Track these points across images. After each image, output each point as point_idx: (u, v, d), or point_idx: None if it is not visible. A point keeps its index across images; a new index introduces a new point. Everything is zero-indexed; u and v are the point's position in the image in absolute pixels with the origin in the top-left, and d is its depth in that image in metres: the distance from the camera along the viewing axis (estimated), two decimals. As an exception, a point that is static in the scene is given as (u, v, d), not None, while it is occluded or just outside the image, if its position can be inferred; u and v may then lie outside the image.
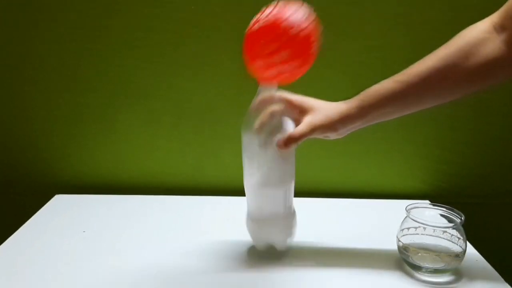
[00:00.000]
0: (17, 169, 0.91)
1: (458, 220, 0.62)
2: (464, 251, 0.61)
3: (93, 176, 0.91)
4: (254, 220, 0.64)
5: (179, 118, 0.88)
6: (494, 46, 0.54)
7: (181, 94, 0.86)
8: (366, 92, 0.60)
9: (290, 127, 0.60)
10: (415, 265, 0.62)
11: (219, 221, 0.77)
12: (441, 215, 0.65)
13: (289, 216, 0.64)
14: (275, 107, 0.60)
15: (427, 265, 0.61)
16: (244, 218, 0.66)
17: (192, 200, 0.88)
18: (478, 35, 0.56)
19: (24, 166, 0.91)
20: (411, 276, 0.62)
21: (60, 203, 0.86)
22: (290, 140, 0.58)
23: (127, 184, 0.91)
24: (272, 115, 0.60)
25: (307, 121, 0.59)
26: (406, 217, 0.64)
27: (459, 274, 0.63)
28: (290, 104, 0.61)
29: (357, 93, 0.82)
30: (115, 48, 0.83)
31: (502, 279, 0.62)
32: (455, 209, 0.64)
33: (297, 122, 0.61)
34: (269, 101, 0.60)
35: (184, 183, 0.92)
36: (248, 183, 0.62)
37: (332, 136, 0.62)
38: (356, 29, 0.82)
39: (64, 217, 0.79)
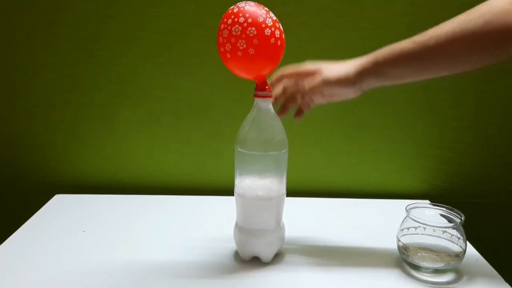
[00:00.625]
0: (17, 169, 0.91)
1: (458, 220, 0.62)
2: (464, 251, 0.61)
3: (93, 176, 0.91)
4: (242, 231, 0.64)
5: (179, 118, 0.88)
6: None
7: (180, 94, 0.86)
8: (382, 49, 0.60)
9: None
10: (415, 265, 0.62)
11: (219, 221, 0.77)
12: (441, 215, 0.65)
13: (278, 230, 0.64)
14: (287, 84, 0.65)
15: (427, 265, 0.61)
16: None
17: (191, 200, 0.88)
18: (505, 4, 0.53)
19: (24, 166, 0.91)
20: (411, 276, 0.62)
21: (60, 203, 0.86)
22: (308, 91, 0.61)
23: (127, 184, 0.91)
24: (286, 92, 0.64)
25: (321, 76, 0.61)
26: (406, 217, 0.64)
27: (459, 274, 0.63)
28: (299, 75, 0.63)
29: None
30: (115, 48, 0.83)
31: (502, 279, 0.62)
32: (455, 209, 0.64)
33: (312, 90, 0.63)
34: (282, 78, 0.63)
35: (183, 183, 0.92)
36: (239, 195, 0.62)
37: (348, 92, 0.61)
38: (356, 29, 0.82)
39: (64, 217, 0.79)
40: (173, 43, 0.83)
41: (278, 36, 0.55)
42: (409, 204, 0.65)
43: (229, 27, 0.53)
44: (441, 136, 0.88)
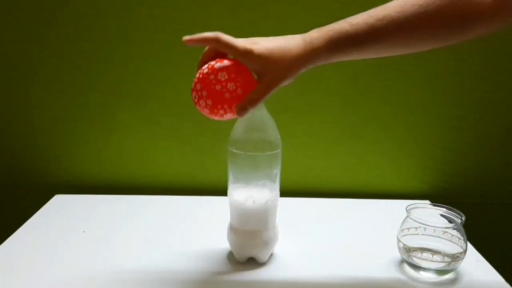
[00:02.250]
0: (17, 169, 0.91)
1: (459, 220, 0.62)
2: (465, 251, 0.61)
3: (93, 176, 0.91)
4: (237, 233, 0.63)
5: (179, 118, 0.88)
6: None
7: (181, 94, 0.86)
8: (328, 29, 0.53)
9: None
10: (415, 265, 0.62)
11: (219, 221, 0.77)
12: (442, 215, 0.65)
13: (272, 230, 0.64)
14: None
15: (427, 266, 0.61)
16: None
17: (191, 200, 0.88)
18: None
19: (24, 166, 0.90)
20: (412, 277, 0.62)
21: (59, 203, 0.86)
22: (249, 103, 0.50)
23: (126, 184, 0.91)
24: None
25: (264, 81, 0.51)
26: (406, 217, 0.64)
27: (459, 275, 0.63)
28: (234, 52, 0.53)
29: (358, 92, 0.82)
30: (115, 48, 0.83)
31: (503, 279, 0.62)
32: (455, 209, 0.64)
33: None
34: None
35: (183, 183, 0.92)
36: (232, 197, 0.62)
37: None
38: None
39: (63, 217, 0.79)
40: (173, 43, 0.83)
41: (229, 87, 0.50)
42: (410, 205, 0.65)
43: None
44: (442, 136, 0.88)
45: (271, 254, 0.66)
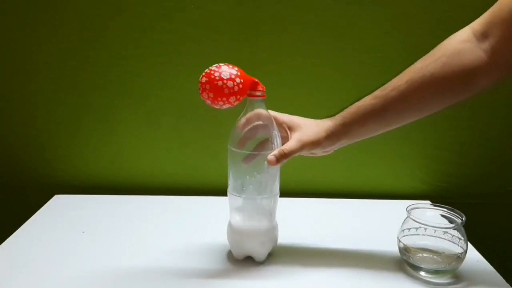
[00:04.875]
0: (17, 169, 0.91)
1: (459, 221, 0.62)
2: (465, 251, 0.61)
3: (92, 176, 0.91)
4: (236, 232, 0.64)
5: (179, 118, 0.87)
6: (474, 55, 0.54)
7: (181, 94, 0.86)
8: (348, 109, 0.60)
9: (275, 143, 0.60)
10: (415, 265, 0.62)
11: (219, 221, 0.77)
12: (442, 215, 0.65)
13: (272, 229, 0.64)
14: (260, 123, 0.60)
15: (427, 266, 0.61)
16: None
17: (192, 200, 0.88)
18: (457, 45, 0.55)
19: (24, 166, 0.90)
20: (412, 277, 0.62)
21: (59, 203, 0.86)
22: (281, 156, 0.58)
23: (126, 184, 0.91)
24: (256, 130, 0.60)
25: (297, 138, 0.59)
26: (406, 217, 0.64)
27: (460, 275, 0.63)
28: (276, 122, 0.61)
29: (358, 92, 0.82)
30: (115, 48, 0.83)
31: (504, 280, 0.62)
32: (456, 210, 0.64)
33: (284, 140, 0.61)
34: (255, 118, 0.60)
35: (183, 183, 0.91)
36: (232, 195, 0.62)
37: (319, 153, 0.62)
38: (356, 29, 0.82)
39: (63, 217, 0.79)
40: (173, 43, 0.83)
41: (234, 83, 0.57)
42: (410, 205, 0.65)
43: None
44: (442, 136, 0.88)
45: (270, 254, 0.66)
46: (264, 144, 0.61)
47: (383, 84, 0.84)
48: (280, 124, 0.62)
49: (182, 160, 0.90)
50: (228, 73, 0.56)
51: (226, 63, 0.58)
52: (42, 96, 0.86)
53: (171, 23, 0.82)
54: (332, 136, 0.60)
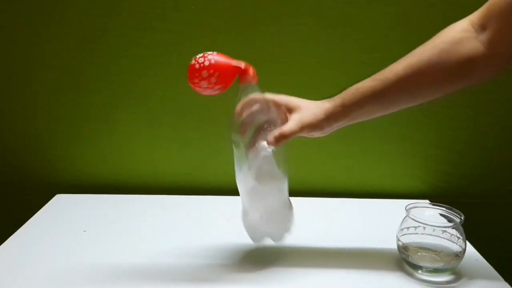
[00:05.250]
0: (18, 169, 0.91)
1: (458, 220, 0.62)
2: (464, 250, 0.61)
3: (93, 176, 0.91)
4: (250, 217, 0.63)
5: (179, 118, 0.88)
6: (472, 45, 0.54)
7: (181, 94, 0.86)
8: (347, 91, 0.60)
9: (275, 125, 0.60)
10: (414, 264, 0.62)
11: (219, 221, 0.78)
12: (441, 214, 0.65)
13: (285, 210, 0.64)
14: (257, 107, 0.60)
15: (426, 265, 0.61)
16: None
17: (192, 200, 0.88)
18: (456, 34, 0.56)
19: (25, 166, 0.91)
20: (411, 276, 0.62)
21: (60, 202, 0.86)
22: (281, 137, 0.58)
23: (127, 184, 0.92)
24: (254, 114, 0.60)
25: (296, 119, 0.60)
26: (406, 216, 0.64)
27: (458, 274, 0.63)
28: (275, 104, 0.61)
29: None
30: (116, 49, 0.83)
31: (502, 279, 0.62)
32: (454, 209, 0.64)
33: (283, 121, 0.61)
34: (252, 102, 0.60)
35: (184, 183, 0.92)
36: (241, 181, 0.62)
37: (317, 134, 0.62)
38: (357, 29, 0.82)
39: (64, 217, 0.79)
40: (173, 43, 0.83)
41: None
42: (409, 204, 0.65)
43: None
44: (441, 136, 0.88)
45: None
46: (262, 127, 0.61)
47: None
48: (279, 106, 0.62)
49: (182, 160, 0.90)
50: (202, 55, 0.58)
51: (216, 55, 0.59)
52: (43, 96, 0.86)
53: (171, 23, 0.82)
54: (330, 117, 0.60)
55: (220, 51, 0.84)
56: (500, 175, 0.91)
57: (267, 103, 0.61)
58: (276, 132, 0.58)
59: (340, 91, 0.85)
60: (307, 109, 0.60)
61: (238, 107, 0.60)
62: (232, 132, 0.60)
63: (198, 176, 0.92)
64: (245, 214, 0.64)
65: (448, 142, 0.89)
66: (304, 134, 0.61)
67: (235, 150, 0.61)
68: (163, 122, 0.88)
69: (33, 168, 0.91)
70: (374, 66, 0.83)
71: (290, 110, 0.61)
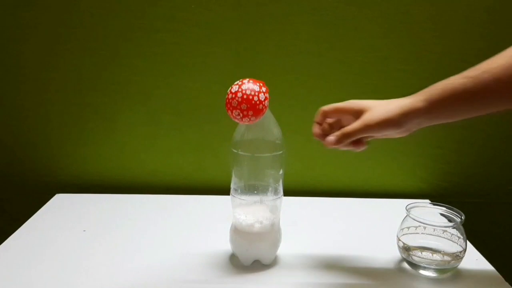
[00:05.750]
0: (17, 168, 0.91)
1: (458, 220, 0.62)
2: (464, 250, 0.61)
3: (93, 175, 0.91)
4: (241, 235, 0.63)
5: (179, 117, 0.88)
6: None
7: (181, 94, 0.86)
8: (433, 86, 0.56)
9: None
10: (415, 264, 0.62)
11: (219, 221, 0.77)
12: (441, 214, 0.65)
13: (276, 231, 0.64)
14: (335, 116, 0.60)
15: (427, 264, 0.61)
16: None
17: (192, 199, 0.88)
18: None
19: (25, 165, 0.91)
20: (411, 275, 0.62)
21: (60, 202, 0.86)
22: (343, 136, 0.56)
23: (127, 183, 0.92)
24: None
25: (361, 119, 0.57)
26: (406, 216, 0.64)
27: (459, 273, 0.63)
28: (339, 112, 0.60)
29: (359, 92, 0.82)
30: (116, 48, 0.83)
31: (503, 279, 0.62)
32: (455, 208, 0.64)
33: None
34: (323, 117, 0.60)
35: (184, 182, 0.92)
36: (236, 198, 0.62)
37: (395, 132, 0.58)
38: (358, 29, 0.82)
39: (64, 216, 0.79)
40: (173, 43, 0.83)
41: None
42: (409, 204, 0.65)
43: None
44: (441, 135, 0.88)
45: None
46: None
47: (384, 83, 0.85)
48: (346, 112, 0.59)
49: (182, 159, 0.90)
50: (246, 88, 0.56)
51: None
52: (43, 96, 0.86)
53: (172, 23, 0.82)
54: (409, 113, 0.55)
55: (220, 50, 0.85)
56: (501, 174, 0.91)
57: (274, 121, 0.60)
58: (338, 132, 0.57)
59: (340, 91, 0.86)
60: (379, 107, 0.57)
61: (316, 127, 0.61)
62: (234, 147, 0.59)
63: (198, 175, 0.92)
64: (235, 231, 0.64)
65: (448, 141, 0.89)
66: (378, 133, 0.58)
67: (234, 164, 0.61)
68: (163, 121, 0.88)
69: (33, 167, 0.91)
70: (374, 65, 0.84)
71: (360, 112, 0.58)
